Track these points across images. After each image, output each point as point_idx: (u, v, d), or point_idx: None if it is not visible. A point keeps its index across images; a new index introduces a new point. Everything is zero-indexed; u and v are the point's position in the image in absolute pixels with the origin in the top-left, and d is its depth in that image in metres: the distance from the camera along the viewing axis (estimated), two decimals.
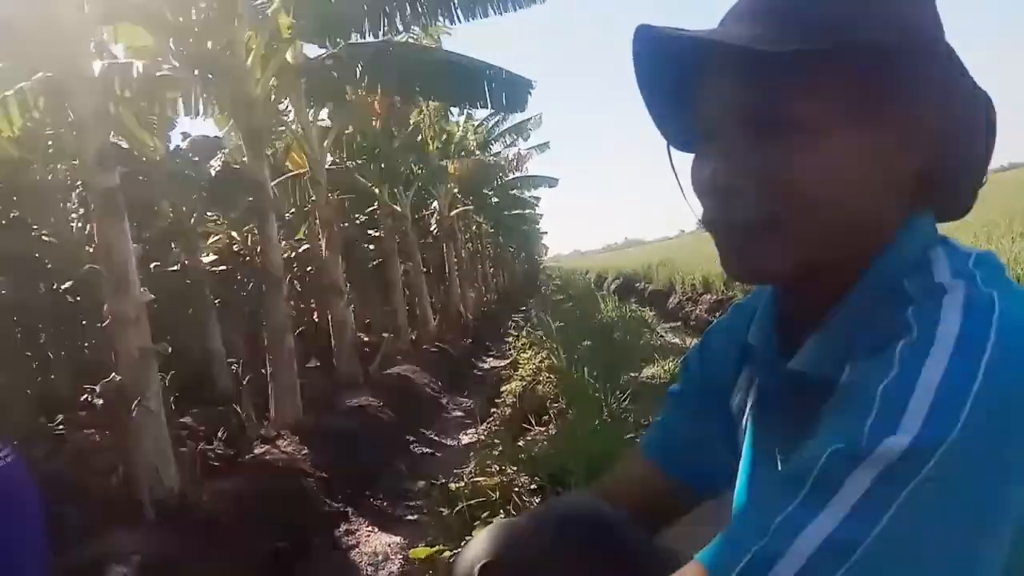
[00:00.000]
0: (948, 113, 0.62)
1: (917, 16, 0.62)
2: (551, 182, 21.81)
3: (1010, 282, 0.60)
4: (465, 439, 5.95)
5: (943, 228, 0.67)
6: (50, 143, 5.91)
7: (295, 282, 9.34)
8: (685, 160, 0.71)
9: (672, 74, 0.69)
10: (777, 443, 0.73)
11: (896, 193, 0.64)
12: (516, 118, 17.22)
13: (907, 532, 0.49)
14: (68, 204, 6.57)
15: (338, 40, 5.95)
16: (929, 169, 0.63)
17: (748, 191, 0.63)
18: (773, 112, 0.61)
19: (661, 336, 10.31)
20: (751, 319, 0.79)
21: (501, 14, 6.20)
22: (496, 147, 17.53)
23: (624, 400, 4.87)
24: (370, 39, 5.93)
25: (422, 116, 10.65)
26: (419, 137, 10.59)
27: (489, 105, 6.48)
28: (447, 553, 2.78)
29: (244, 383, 5.81)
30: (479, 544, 0.89)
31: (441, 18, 6.16)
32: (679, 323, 12.52)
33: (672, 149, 0.73)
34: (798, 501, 0.53)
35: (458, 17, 6.05)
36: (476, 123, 16.11)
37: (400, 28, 6.07)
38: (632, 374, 6.30)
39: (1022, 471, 0.51)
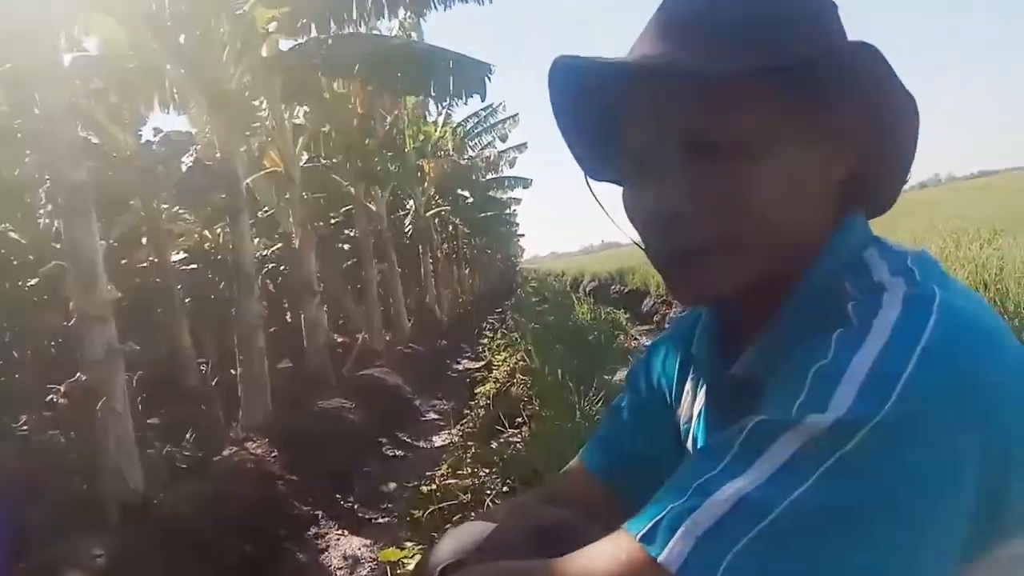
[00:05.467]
0: (880, 118, 0.63)
1: (842, 26, 0.63)
2: (525, 183, 21.89)
3: (948, 278, 0.60)
4: (438, 441, 5.91)
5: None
6: (18, 135, 5.79)
7: (268, 281, 9.26)
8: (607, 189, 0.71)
9: (595, 106, 0.68)
10: None
11: (828, 198, 0.65)
12: (494, 119, 17.29)
13: (824, 503, 0.49)
14: (35, 199, 6.44)
15: (312, 33, 5.91)
16: (859, 173, 0.65)
17: (698, 216, 0.62)
18: (712, 134, 0.61)
19: (635, 339, 10.35)
20: (693, 330, 0.79)
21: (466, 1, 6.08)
22: (474, 147, 17.52)
23: (597, 402, 4.87)
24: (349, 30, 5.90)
25: (401, 115, 10.59)
26: (396, 136, 10.53)
27: (439, 90, 5.97)
28: (417, 556, 2.76)
29: (213, 383, 5.73)
30: (443, 546, 0.88)
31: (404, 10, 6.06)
32: (653, 326, 12.59)
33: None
34: (721, 465, 0.53)
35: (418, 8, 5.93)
36: (455, 124, 16.10)
37: (371, 19, 5.99)
38: (606, 376, 6.31)
39: (968, 454, 0.50)
